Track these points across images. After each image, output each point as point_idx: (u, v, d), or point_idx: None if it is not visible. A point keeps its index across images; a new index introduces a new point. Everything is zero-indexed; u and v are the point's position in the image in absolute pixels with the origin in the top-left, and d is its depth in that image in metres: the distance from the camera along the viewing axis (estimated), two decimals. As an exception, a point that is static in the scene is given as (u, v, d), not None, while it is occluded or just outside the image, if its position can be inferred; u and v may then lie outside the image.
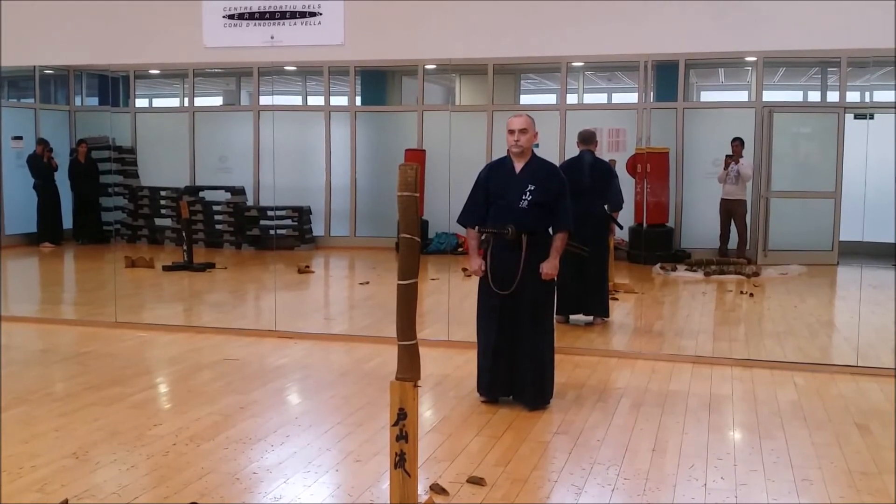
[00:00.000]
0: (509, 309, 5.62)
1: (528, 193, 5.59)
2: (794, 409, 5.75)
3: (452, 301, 8.13)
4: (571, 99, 14.28)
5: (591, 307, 8.37)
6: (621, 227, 9.14)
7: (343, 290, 11.96)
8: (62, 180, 14.40)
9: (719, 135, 12.61)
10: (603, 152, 10.66)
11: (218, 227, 14.48)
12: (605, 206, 8.41)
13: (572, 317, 8.43)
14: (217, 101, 17.94)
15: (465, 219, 5.82)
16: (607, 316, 8.44)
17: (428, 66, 14.03)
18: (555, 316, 8.06)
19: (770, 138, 12.37)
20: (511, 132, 5.66)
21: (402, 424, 3.67)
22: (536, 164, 5.74)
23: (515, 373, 5.68)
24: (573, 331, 8.20)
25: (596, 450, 4.89)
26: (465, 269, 11.16)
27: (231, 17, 6.91)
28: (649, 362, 6.99)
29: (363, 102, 15.39)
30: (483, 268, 5.66)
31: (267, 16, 6.84)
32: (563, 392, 5.99)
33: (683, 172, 12.86)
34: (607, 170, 8.64)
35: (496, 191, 5.70)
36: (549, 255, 5.63)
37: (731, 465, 4.65)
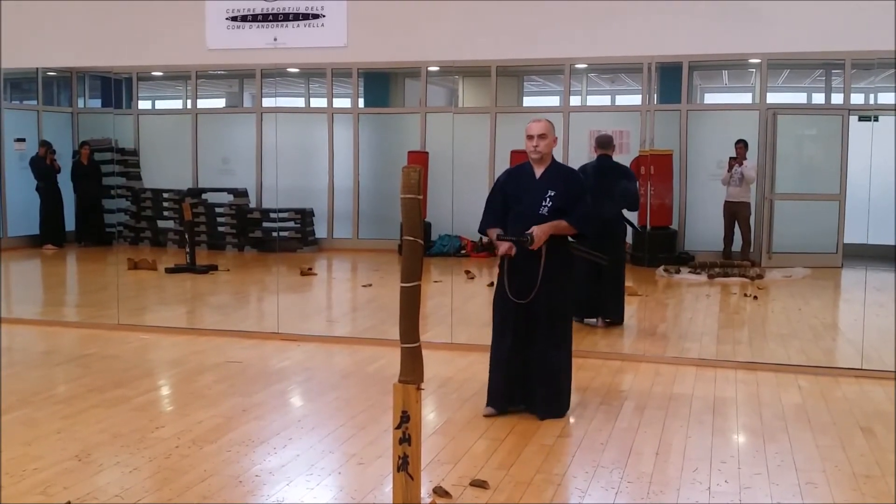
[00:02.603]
0: (526, 318, 5.46)
1: (548, 200, 5.44)
2: (798, 411, 5.73)
3: (455, 303, 8.12)
4: (575, 101, 14.26)
5: (608, 310, 8.34)
6: (636, 228, 9.07)
7: (346, 292, 11.95)
8: (65, 182, 14.40)
9: (723, 137, 12.60)
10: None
11: (220, 229, 14.47)
12: (623, 211, 8.39)
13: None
14: (220, 102, 17.95)
15: (485, 225, 5.61)
16: (621, 321, 8.39)
17: (431, 68, 14.03)
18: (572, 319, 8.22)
19: (774, 140, 12.36)
20: (530, 137, 5.48)
21: (405, 427, 3.66)
22: (556, 170, 5.60)
23: (530, 382, 5.51)
24: (577, 333, 8.18)
25: (599, 453, 4.87)
26: (468, 272, 11.18)
27: (234, 18, 6.91)
28: (653, 365, 6.97)
29: (366, 104, 15.39)
30: (513, 248, 5.41)
31: (270, 18, 6.83)
32: (566, 395, 5.98)
33: (687, 174, 12.85)
34: (624, 173, 8.63)
35: (515, 196, 5.54)
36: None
37: (735, 469, 4.63)
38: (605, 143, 8.36)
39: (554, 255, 5.42)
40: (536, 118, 5.59)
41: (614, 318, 8.35)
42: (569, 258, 5.57)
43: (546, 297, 5.41)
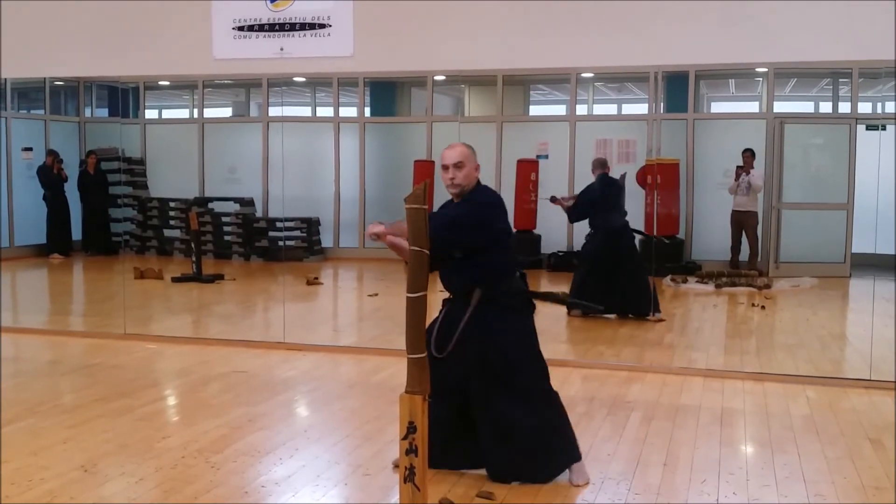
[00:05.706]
0: (459, 378, 4.47)
1: None
2: (806, 423, 5.70)
3: (462, 313, 8.09)
4: (581, 110, 14.26)
5: (640, 307, 9.11)
6: (645, 236, 10.51)
7: (352, 301, 11.94)
8: (72, 191, 14.44)
9: (730, 146, 12.59)
10: (613, 163, 10.80)
11: (227, 238, 14.48)
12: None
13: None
14: (226, 112, 17.99)
15: None
16: (650, 312, 9.09)
17: (437, 78, 14.04)
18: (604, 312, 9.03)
19: (781, 149, 12.33)
20: (445, 168, 4.48)
21: (412, 438, 3.64)
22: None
23: (476, 443, 4.54)
24: (583, 343, 8.17)
25: (606, 464, 4.84)
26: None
27: (240, 28, 6.90)
28: (660, 375, 6.94)
29: (372, 113, 15.41)
30: (376, 231, 4.45)
31: (276, 27, 6.83)
32: (573, 405, 5.93)
33: (694, 184, 12.83)
34: (622, 186, 9.76)
35: None
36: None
37: (743, 480, 4.61)
38: (603, 164, 9.52)
39: (492, 303, 4.46)
40: (452, 144, 4.57)
41: (646, 312, 9.09)
42: (523, 305, 4.58)
43: (477, 353, 4.43)
